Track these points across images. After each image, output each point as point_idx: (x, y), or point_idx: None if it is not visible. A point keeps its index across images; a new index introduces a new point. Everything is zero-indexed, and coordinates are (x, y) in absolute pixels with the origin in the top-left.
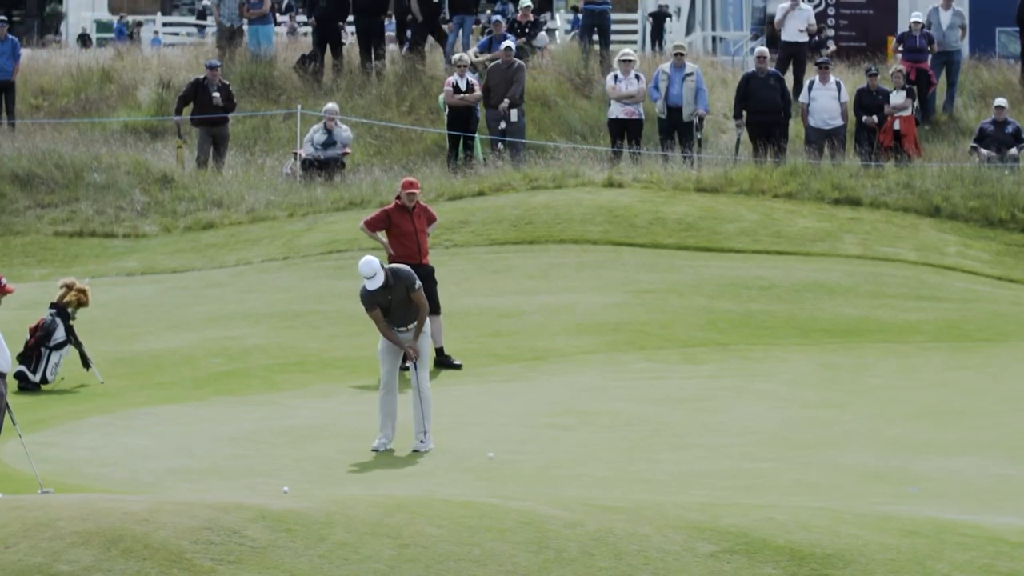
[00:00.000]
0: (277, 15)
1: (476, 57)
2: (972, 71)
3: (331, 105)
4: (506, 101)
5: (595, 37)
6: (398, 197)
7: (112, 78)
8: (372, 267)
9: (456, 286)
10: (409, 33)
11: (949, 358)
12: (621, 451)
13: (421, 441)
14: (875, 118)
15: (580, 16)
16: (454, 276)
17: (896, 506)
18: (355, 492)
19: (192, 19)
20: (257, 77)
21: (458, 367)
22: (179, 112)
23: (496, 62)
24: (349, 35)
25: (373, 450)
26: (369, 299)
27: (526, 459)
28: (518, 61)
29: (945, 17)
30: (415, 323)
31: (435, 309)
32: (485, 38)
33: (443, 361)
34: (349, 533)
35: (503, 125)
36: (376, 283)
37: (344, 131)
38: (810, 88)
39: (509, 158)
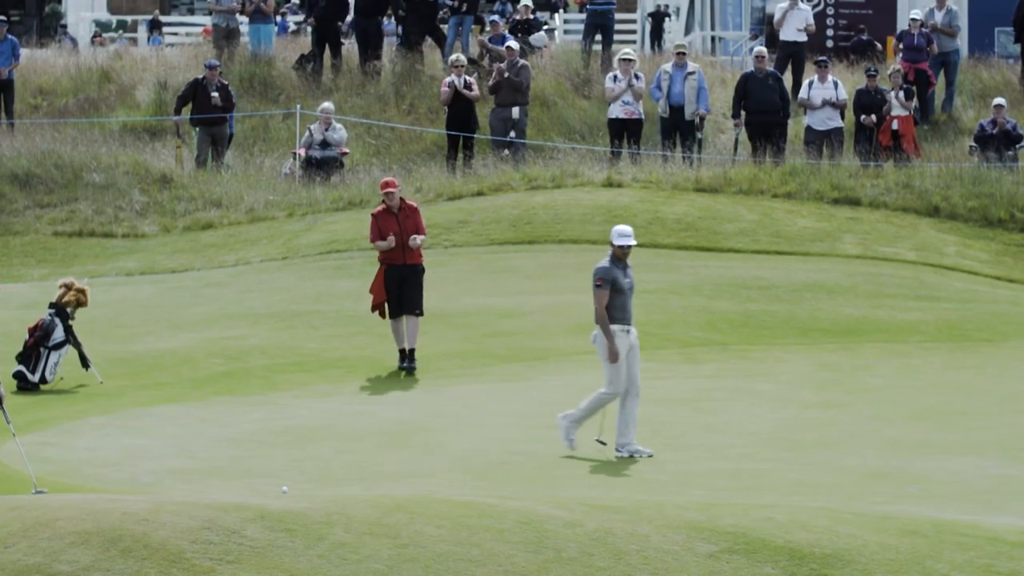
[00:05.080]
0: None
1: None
2: (971, 71)
3: (327, 104)
4: (516, 109)
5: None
6: (383, 200)
7: (111, 78)
8: (628, 228)
9: (456, 286)
10: (400, 29)
11: (949, 358)
12: None
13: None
14: (873, 118)
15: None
16: (454, 276)
17: (896, 506)
18: (354, 492)
19: (192, 18)
20: (256, 77)
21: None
22: (178, 112)
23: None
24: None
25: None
26: (605, 273)
27: (526, 459)
28: (522, 61)
29: (939, 17)
30: (632, 326)
31: (418, 310)
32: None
33: (408, 365)
34: (348, 533)
35: (513, 134)
36: (632, 240)
37: (338, 132)
38: (809, 87)
39: (511, 157)
